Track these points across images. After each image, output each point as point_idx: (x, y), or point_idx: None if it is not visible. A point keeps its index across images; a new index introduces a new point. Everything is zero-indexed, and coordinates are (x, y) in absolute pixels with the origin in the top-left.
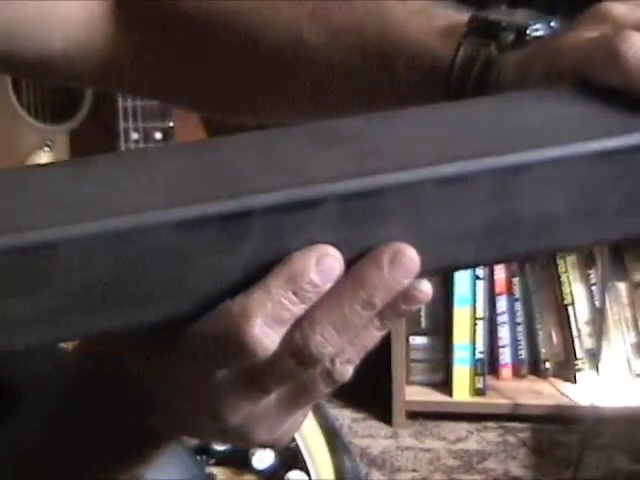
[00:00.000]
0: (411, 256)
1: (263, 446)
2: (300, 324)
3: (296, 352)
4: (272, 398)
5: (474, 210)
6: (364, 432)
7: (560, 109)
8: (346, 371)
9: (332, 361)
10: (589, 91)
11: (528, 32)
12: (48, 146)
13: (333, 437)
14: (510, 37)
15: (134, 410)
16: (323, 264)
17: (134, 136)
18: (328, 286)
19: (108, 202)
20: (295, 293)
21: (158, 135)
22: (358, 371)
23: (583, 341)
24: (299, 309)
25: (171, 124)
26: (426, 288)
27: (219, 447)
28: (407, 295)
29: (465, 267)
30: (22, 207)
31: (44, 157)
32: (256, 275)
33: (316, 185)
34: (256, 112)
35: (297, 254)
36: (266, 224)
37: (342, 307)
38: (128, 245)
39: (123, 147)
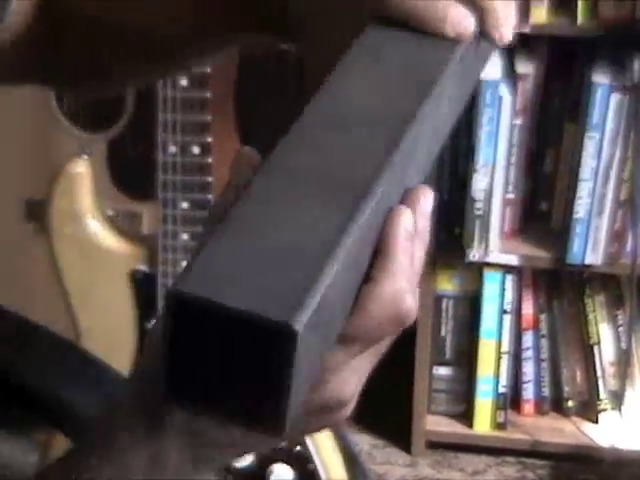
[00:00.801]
0: None
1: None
2: None
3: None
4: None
5: None
6: (382, 459)
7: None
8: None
9: None
10: None
11: None
12: (86, 154)
13: (352, 461)
14: None
15: None
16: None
17: (172, 149)
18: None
19: None
20: (412, 255)
21: (196, 149)
22: (380, 398)
23: (607, 382)
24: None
25: (209, 139)
26: None
27: (238, 464)
28: None
29: None
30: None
31: (81, 165)
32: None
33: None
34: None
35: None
36: None
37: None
38: None
39: (161, 159)
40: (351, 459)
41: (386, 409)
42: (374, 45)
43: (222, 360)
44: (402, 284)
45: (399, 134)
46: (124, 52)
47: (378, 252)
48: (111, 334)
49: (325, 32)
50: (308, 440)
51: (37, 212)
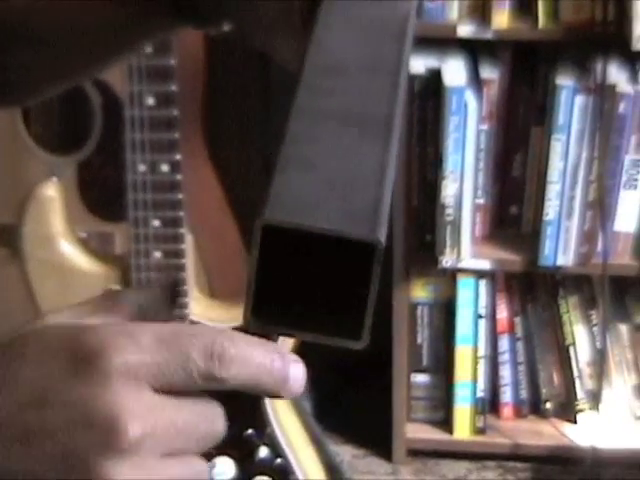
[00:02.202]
0: None
1: None
2: None
3: None
4: None
5: None
6: (364, 468)
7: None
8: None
9: None
10: None
11: None
12: (56, 176)
13: (334, 472)
14: None
15: None
16: None
17: (141, 168)
18: None
19: None
20: None
21: (165, 168)
22: (359, 408)
23: (584, 382)
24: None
25: (178, 157)
26: None
27: (220, 478)
28: None
29: None
30: None
31: (51, 188)
32: None
33: None
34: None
35: None
36: None
37: None
38: None
39: (130, 178)
40: (332, 470)
41: (366, 419)
42: (341, 4)
43: (308, 282)
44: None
45: (396, 75)
46: (47, 53)
47: None
48: None
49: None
50: (289, 452)
51: (8, 237)
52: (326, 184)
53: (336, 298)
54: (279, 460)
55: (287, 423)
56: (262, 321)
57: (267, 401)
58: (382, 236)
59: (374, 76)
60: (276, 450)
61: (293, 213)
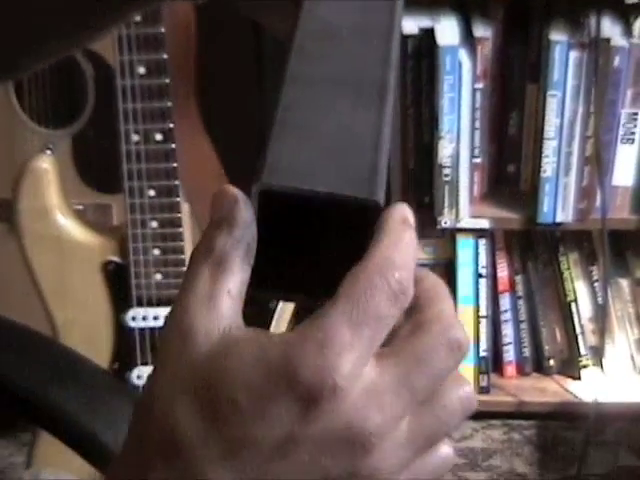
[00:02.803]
0: None
1: None
2: None
3: None
4: None
5: None
6: None
7: None
8: None
9: None
10: None
11: None
12: (50, 150)
13: None
14: None
15: None
16: None
17: (134, 138)
18: None
19: None
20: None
21: (158, 136)
22: None
23: (587, 338)
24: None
25: (171, 125)
26: None
27: None
28: None
29: None
30: None
31: (46, 161)
32: None
33: None
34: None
35: None
36: None
37: None
38: None
39: (124, 149)
40: None
41: None
42: None
43: (306, 247)
44: (393, 256)
45: (388, 38)
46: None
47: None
48: (88, 327)
49: None
50: None
51: (4, 212)
52: (322, 149)
53: (334, 263)
54: None
55: None
56: (263, 288)
57: None
58: (381, 198)
59: (367, 40)
60: None
61: (290, 177)
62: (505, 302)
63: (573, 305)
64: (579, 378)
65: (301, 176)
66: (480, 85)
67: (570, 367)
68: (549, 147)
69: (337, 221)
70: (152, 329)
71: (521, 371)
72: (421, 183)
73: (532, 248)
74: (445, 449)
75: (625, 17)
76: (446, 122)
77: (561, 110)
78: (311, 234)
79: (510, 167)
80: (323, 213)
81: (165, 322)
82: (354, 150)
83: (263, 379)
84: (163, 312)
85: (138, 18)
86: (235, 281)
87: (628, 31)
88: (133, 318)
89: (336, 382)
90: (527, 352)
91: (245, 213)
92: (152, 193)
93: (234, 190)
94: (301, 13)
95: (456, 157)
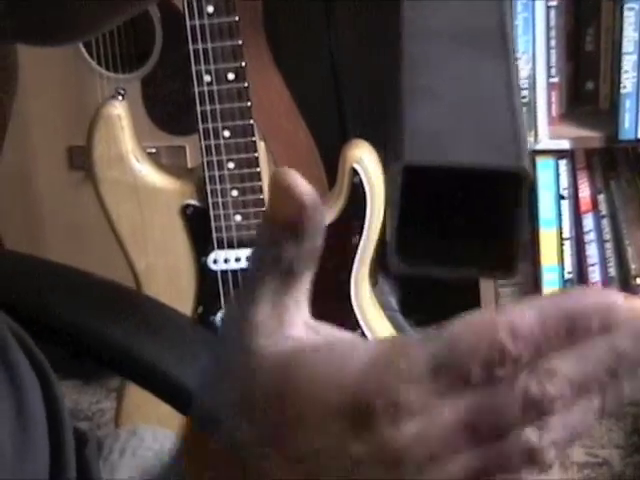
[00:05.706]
0: None
1: None
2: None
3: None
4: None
5: None
6: None
7: None
8: (550, 456)
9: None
10: None
11: None
12: (121, 95)
13: None
14: None
15: None
16: None
17: (207, 78)
18: None
19: None
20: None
21: (231, 76)
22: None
23: None
24: None
25: (243, 64)
26: None
27: None
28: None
29: None
30: None
31: (117, 107)
32: None
33: None
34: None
35: None
36: None
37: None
38: None
39: (196, 90)
40: None
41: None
42: None
43: (446, 218)
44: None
45: None
46: None
47: None
48: (170, 272)
49: None
50: None
51: (78, 159)
52: (457, 113)
53: (477, 231)
54: None
55: (375, 322)
56: (408, 262)
57: (355, 303)
58: (527, 163)
59: None
60: None
61: (433, 150)
62: (588, 222)
63: None
64: None
65: (443, 147)
66: (554, 2)
67: None
68: (628, 62)
69: (485, 189)
70: (234, 271)
71: None
72: None
73: (614, 166)
74: None
75: None
76: (521, 43)
77: (639, 23)
78: (452, 204)
79: (588, 85)
80: (462, 182)
81: (227, 329)
82: (490, 110)
83: (332, 398)
84: (244, 253)
85: None
86: (303, 290)
87: None
88: (215, 261)
89: (402, 416)
90: (613, 272)
91: (313, 221)
92: (227, 134)
93: (301, 187)
94: None
95: (533, 78)
